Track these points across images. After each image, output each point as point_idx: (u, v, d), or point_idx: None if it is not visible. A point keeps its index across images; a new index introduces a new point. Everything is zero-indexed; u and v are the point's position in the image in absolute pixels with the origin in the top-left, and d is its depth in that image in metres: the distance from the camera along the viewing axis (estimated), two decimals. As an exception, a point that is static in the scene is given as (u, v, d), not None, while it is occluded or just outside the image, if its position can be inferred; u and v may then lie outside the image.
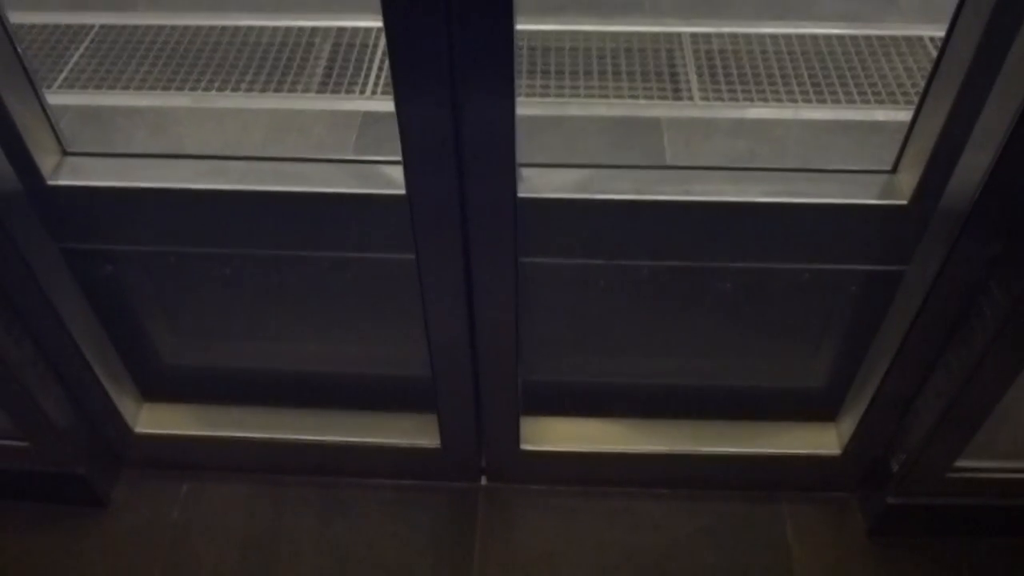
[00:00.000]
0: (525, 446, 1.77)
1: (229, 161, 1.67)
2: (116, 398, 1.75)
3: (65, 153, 1.61)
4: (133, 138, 2.02)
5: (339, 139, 2.01)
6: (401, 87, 1.18)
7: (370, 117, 2.08)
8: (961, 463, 1.67)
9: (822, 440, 1.81)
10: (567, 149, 2.01)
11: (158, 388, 1.85)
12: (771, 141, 2.03)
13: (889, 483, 1.72)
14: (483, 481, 1.84)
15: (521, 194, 1.39)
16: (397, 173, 1.35)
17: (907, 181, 1.55)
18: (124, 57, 2.26)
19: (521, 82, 2.20)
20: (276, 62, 2.24)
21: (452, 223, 1.39)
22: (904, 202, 1.55)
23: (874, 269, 1.64)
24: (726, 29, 2.37)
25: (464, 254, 1.44)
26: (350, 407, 1.85)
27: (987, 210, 1.34)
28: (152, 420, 1.85)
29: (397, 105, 1.19)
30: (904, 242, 1.54)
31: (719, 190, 1.59)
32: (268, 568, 1.69)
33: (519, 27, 1.12)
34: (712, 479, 1.84)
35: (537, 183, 1.55)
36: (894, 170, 1.60)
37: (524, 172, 1.44)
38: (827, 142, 2.03)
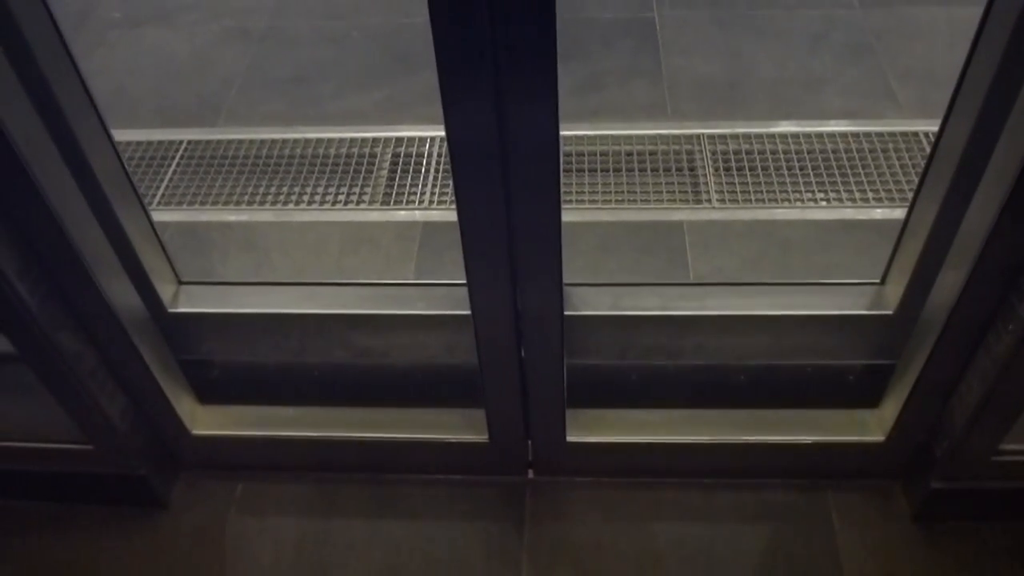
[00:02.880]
0: (571, 438, 1.85)
1: (317, 287, 2.00)
2: (174, 401, 1.85)
3: (180, 282, 1.95)
4: (227, 253, 2.35)
5: (404, 250, 2.33)
6: (468, 238, 1.42)
7: (430, 227, 2.39)
8: (1006, 446, 1.69)
9: (866, 427, 1.84)
10: (602, 253, 2.31)
11: (213, 390, 1.98)
12: (780, 242, 2.31)
13: (933, 468, 1.76)
14: (530, 474, 1.92)
15: (567, 312, 1.64)
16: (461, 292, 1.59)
17: (893, 292, 1.84)
18: (212, 172, 2.60)
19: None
20: (344, 174, 2.56)
21: (509, 333, 1.63)
22: (890, 312, 1.84)
23: (868, 363, 1.91)
24: (740, 130, 2.66)
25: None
26: (399, 403, 1.96)
27: (963, 321, 1.53)
28: (208, 422, 1.95)
29: (465, 250, 1.44)
30: (893, 342, 1.79)
31: (731, 304, 1.90)
32: (323, 564, 1.79)
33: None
34: (757, 467, 1.91)
35: (576, 301, 1.86)
36: (882, 282, 1.89)
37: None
38: (830, 241, 2.31)
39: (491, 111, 1.22)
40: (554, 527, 1.83)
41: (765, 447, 1.86)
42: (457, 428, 1.89)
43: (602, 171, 2.56)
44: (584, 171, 2.56)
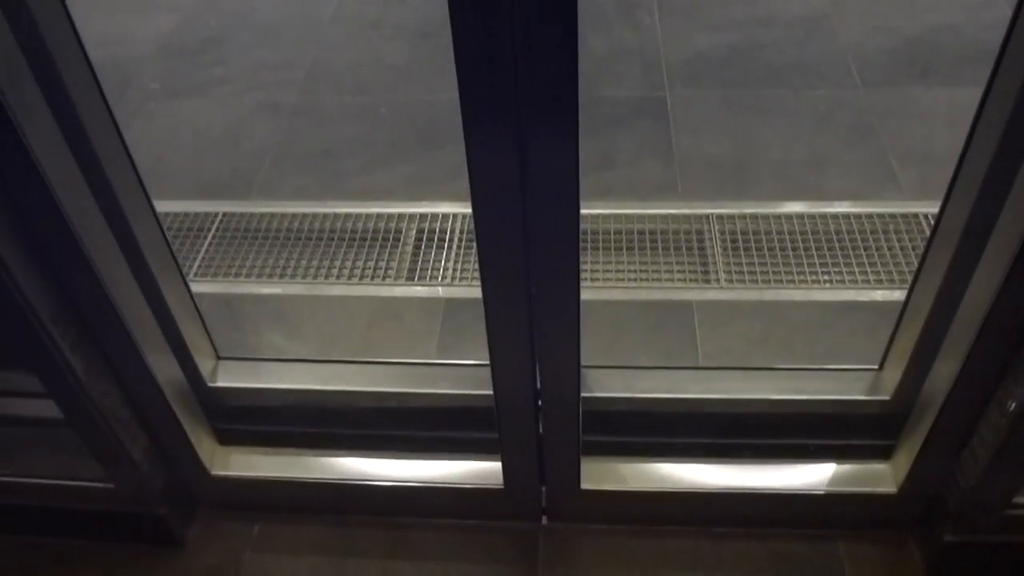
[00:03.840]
0: (585, 486, 1.91)
1: (344, 364, 2.13)
2: (195, 442, 1.91)
3: (219, 358, 2.08)
4: (260, 325, 2.49)
5: (427, 326, 2.46)
6: (491, 315, 1.53)
7: (452, 304, 2.53)
8: (1020, 499, 1.72)
9: (878, 478, 1.88)
10: (616, 332, 2.44)
11: (233, 432, 2.04)
12: (785, 322, 2.44)
13: (946, 521, 1.78)
14: (544, 521, 1.98)
15: (584, 393, 1.75)
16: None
17: (890, 378, 1.95)
18: (245, 244, 2.74)
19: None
20: (371, 249, 2.71)
21: (529, 416, 1.75)
22: (887, 397, 1.95)
23: (866, 444, 2.01)
24: (748, 210, 2.79)
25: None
26: (415, 446, 2.03)
27: (957, 410, 1.63)
28: (227, 463, 2.01)
29: (488, 330, 1.55)
30: (890, 424, 1.88)
31: (736, 387, 2.02)
32: (337, 604, 1.84)
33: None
34: (770, 517, 1.96)
35: (591, 383, 1.98)
36: (880, 367, 2.00)
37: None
38: (832, 323, 2.44)
39: (516, 188, 1.31)
40: (566, 573, 1.90)
41: (777, 497, 1.92)
42: (472, 474, 1.97)
43: (615, 249, 2.70)
44: (598, 249, 2.70)
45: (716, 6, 3.73)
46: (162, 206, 2.86)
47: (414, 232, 2.78)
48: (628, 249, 2.69)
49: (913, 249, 2.63)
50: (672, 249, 2.69)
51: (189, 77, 3.49)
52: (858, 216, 2.75)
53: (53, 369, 1.57)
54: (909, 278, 2.54)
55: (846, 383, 2.00)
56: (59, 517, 2.01)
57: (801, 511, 1.95)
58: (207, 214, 2.86)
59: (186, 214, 2.86)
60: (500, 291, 1.48)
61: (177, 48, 3.67)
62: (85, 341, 1.59)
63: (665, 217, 2.79)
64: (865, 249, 2.65)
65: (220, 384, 2.03)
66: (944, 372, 1.64)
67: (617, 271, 2.62)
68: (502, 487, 1.94)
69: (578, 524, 2.00)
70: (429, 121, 3.20)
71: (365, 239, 2.75)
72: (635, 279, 2.60)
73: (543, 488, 1.95)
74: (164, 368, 1.79)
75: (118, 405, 1.74)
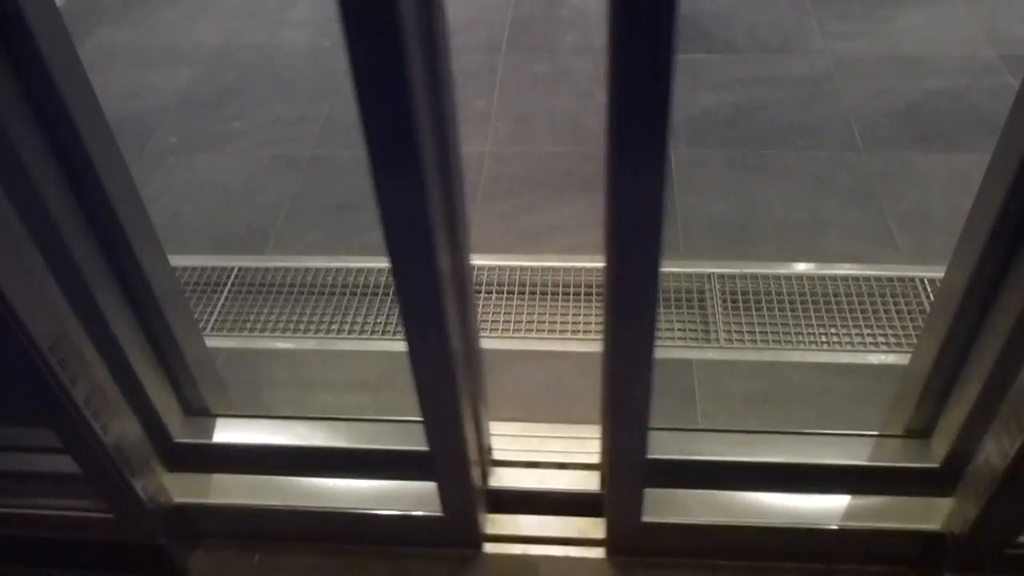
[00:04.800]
0: (647, 518, 1.94)
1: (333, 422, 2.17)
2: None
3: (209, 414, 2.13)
4: (275, 378, 2.57)
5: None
6: None
7: (459, 361, 2.60)
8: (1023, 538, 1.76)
9: (927, 515, 1.89)
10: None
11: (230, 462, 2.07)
12: (782, 384, 2.51)
13: (946, 560, 1.83)
14: (603, 554, 2.04)
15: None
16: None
17: (940, 446, 1.94)
18: (260, 299, 2.83)
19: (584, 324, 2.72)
20: (383, 304, 2.79)
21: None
22: (936, 465, 1.94)
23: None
24: (748, 270, 2.87)
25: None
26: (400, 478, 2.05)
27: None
28: (225, 492, 2.04)
29: None
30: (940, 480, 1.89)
31: (745, 451, 2.07)
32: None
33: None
34: (828, 552, 1.99)
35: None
36: (928, 436, 2.00)
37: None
38: (828, 385, 2.50)
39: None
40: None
41: (837, 533, 1.94)
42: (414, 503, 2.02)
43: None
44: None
45: (723, 66, 3.83)
46: (179, 260, 2.98)
47: (423, 288, 2.86)
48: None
49: (909, 313, 2.70)
50: (673, 307, 2.76)
51: (207, 130, 3.60)
52: (856, 279, 2.83)
53: (52, 398, 1.58)
54: (906, 342, 2.62)
55: (894, 450, 2.02)
56: (57, 547, 2.03)
57: (862, 545, 1.97)
58: (224, 268, 2.95)
59: (203, 268, 2.95)
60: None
61: (196, 101, 3.79)
62: (84, 376, 1.62)
63: (668, 276, 2.86)
64: (863, 312, 2.71)
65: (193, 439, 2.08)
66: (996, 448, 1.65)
67: (620, 330, 2.70)
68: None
69: (641, 557, 2.05)
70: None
71: (376, 294, 2.83)
72: (638, 338, 2.67)
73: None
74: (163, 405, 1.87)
75: (113, 430, 1.76)
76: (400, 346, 1.55)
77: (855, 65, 3.79)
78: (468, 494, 1.93)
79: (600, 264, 2.94)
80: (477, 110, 3.62)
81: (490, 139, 3.47)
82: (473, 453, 1.88)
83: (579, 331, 2.70)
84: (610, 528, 2.02)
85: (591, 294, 2.83)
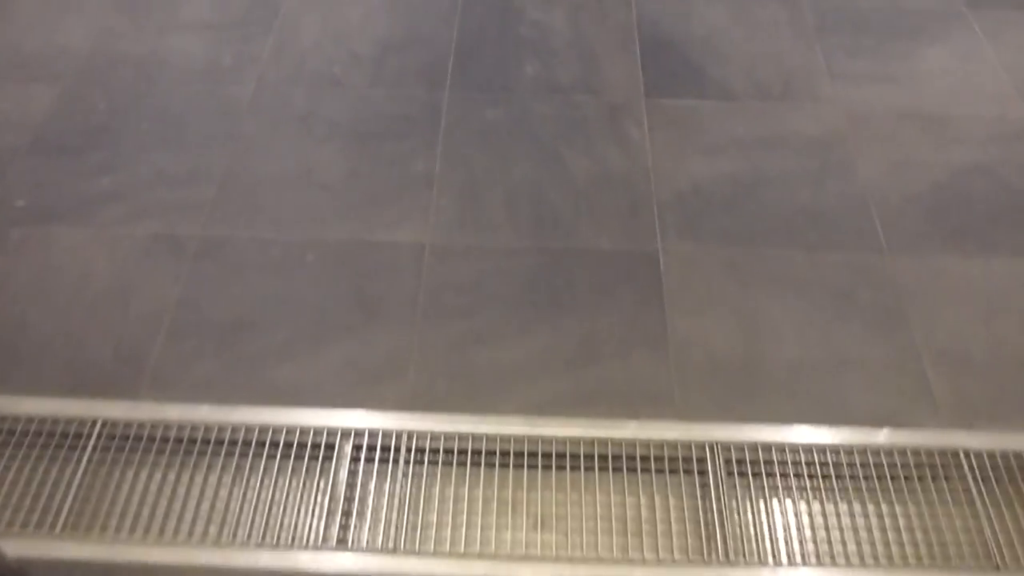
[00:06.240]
0: None
1: None
2: None
3: None
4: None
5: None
6: None
7: (396, 591, 1.98)
8: None
9: None
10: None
11: None
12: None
13: None
14: None
15: None
16: None
17: None
18: (131, 475, 2.15)
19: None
20: (292, 488, 2.14)
21: None
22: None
23: None
24: (750, 436, 2.30)
25: None
26: None
27: None
28: None
29: None
30: None
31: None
32: None
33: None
34: None
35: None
36: None
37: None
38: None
39: None
40: None
41: None
42: None
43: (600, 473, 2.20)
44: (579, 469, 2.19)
45: (717, 117, 3.17)
46: (22, 406, 2.25)
47: (349, 452, 2.22)
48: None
49: (954, 502, 2.17)
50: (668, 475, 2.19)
51: (68, 189, 2.81)
52: (889, 451, 2.28)
53: None
54: (953, 552, 2.11)
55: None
56: None
57: None
58: (82, 419, 2.24)
59: (55, 419, 2.24)
60: None
61: (55, 142, 2.97)
62: None
63: (660, 443, 2.27)
64: (899, 502, 2.18)
65: None
66: None
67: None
68: None
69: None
70: (368, 273, 2.59)
71: (287, 459, 2.18)
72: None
73: None
74: None
75: None
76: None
77: (870, 123, 3.17)
78: None
79: (580, 432, 2.35)
80: (415, 175, 2.90)
81: (431, 221, 2.76)
82: None
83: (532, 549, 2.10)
84: None
85: (564, 466, 2.23)
